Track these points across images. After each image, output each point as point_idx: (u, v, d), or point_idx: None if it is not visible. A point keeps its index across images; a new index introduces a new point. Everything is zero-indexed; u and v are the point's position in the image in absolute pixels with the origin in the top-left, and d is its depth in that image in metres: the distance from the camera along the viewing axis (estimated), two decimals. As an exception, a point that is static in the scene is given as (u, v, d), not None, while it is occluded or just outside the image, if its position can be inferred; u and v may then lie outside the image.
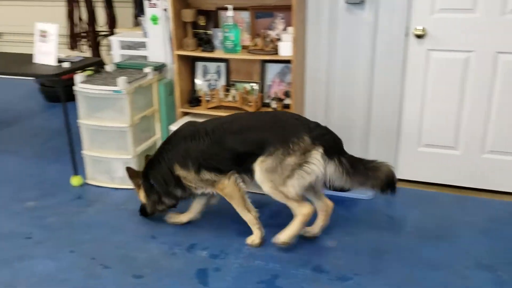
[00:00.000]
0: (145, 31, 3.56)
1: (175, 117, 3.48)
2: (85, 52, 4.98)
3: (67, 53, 3.75)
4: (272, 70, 3.20)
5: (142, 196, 2.71)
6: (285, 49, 2.92)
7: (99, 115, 3.13)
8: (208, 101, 3.25)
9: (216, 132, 2.46)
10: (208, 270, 2.34)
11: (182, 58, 3.27)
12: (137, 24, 4.81)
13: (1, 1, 6.00)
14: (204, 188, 2.52)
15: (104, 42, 5.18)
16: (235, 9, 3.07)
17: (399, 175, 2.92)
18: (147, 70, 3.27)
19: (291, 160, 2.31)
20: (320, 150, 2.32)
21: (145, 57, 3.58)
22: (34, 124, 4.46)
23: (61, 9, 5.10)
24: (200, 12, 3.25)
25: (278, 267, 2.36)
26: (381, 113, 3.11)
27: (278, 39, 3.04)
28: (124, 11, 5.12)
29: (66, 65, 3.17)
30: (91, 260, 2.44)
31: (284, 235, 2.41)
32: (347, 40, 3.03)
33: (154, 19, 3.41)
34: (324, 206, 2.56)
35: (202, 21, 3.25)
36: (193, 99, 3.35)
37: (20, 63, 3.34)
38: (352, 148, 3.18)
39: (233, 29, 3.02)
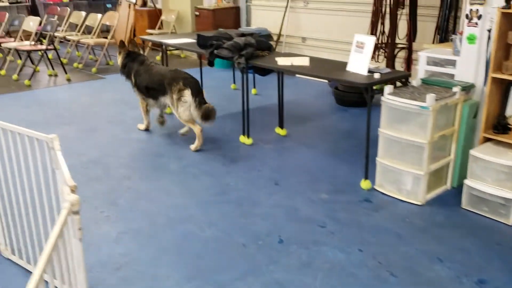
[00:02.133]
0: (457, 49, 3.49)
1: (474, 141, 3.33)
2: (380, 62, 5.21)
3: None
4: None
5: (119, 61, 4.61)
6: None
7: (399, 127, 3.24)
8: (519, 130, 2.98)
9: (147, 70, 4.35)
10: (502, 313, 2.18)
11: (496, 81, 3.09)
12: (440, 40, 4.76)
13: (307, 9, 6.80)
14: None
15: (399, 54, 5.31)
16: None
17: None
18: (455, 89, 3.21)
19: (175, 96, 4.04)
20: (189, 90, 4.00)
21: (451, 76, 3.52)
22: (326, 123, 4.94)
23: (363, 20, 5.46)
24: (530, 34, 2.99)
25: None
26: None
27: None
28: (424, 26, 5.14)
29: (376, 76, 3.39)
30: (378, 263, 2.57)
31: (194, 146, 4.14)
32: None
33: (471, 39, 3.30)
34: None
35: (530, 44, 2.99)
36: (500, 126, 3.13)
37: (333, 69, 3.73)
38: None
39: None
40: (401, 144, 3.23)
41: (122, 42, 4.62)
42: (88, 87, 6.37)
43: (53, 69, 6.99)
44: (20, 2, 9.53)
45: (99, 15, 7.61)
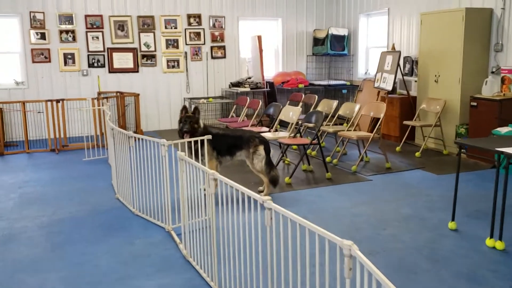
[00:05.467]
0: None
1: None
2: None
3: None
4: None
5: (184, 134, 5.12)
6: None
7: None
8: None
9: (221, 134, 5.12)
10: None
11: None
12: None
13: None
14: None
15: None
16: None
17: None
18: None
19: (251, 150, 4.98)
20: (262, 146, 4.97)
21: None
22: None
23: None
24: None
25: None
26: None
27: None
28: None
29: None
30: None
31: (264, 192, 5.07)
32: None
33: None
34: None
35: None
36: None
37: None
38: None
39: None
40: None
41: (192, 124, 4.93)
42: (356, 192, 5.31)
43: (309, 164, 6.23)
44: (260, 88, 9.48)
45: (357, 105, 6.77)
